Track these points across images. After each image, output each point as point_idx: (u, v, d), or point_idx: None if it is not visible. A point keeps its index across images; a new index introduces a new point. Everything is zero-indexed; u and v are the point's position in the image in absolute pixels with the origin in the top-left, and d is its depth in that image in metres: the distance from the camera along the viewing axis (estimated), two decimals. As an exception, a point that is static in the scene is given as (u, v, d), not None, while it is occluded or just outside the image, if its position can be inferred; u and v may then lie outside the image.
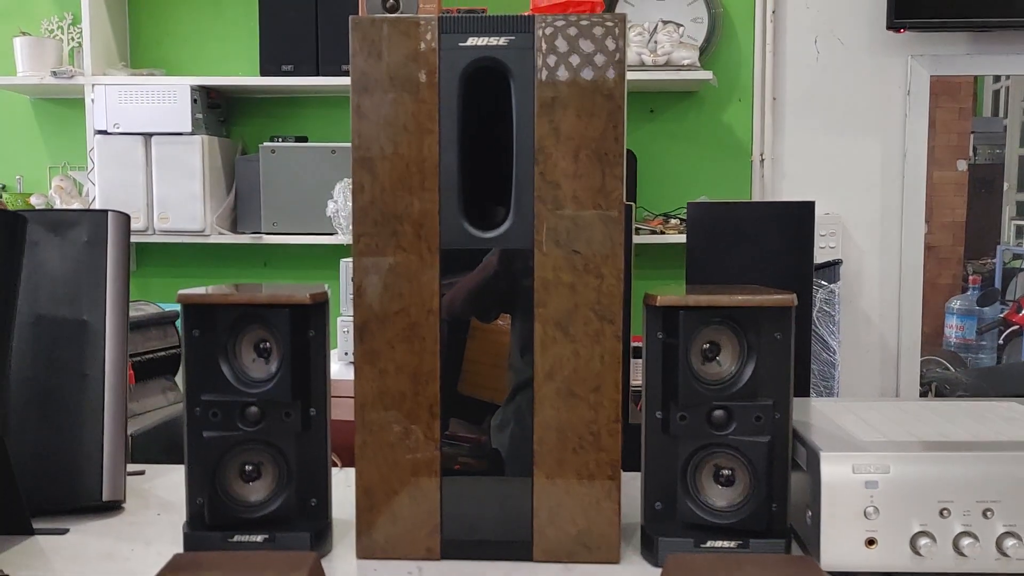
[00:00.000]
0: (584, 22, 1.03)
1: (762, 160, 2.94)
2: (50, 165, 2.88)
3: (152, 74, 2.79)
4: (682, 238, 2.73)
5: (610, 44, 1.03)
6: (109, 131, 2.63)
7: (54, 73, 2.63)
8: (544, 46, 1.03)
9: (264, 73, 2.64)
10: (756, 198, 2.91)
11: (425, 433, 1.06)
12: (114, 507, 1.24)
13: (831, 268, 2.84)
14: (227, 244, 2.74)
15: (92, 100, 2.63)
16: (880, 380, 2.89)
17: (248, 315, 1.07)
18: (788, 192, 2.90)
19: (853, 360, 2.88)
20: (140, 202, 2.65)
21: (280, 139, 2.71)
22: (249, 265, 2.92)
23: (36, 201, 2.75)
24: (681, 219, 2.84)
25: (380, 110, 1.04)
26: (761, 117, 2.93)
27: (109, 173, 2.63)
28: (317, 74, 2.61)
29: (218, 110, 2.75)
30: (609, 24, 1.02)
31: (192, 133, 2.63)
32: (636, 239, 2.66)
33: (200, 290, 1.09)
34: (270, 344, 1.08)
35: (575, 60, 1.03)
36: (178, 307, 2.80)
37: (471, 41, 1.03)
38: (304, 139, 2.76)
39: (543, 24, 1.03)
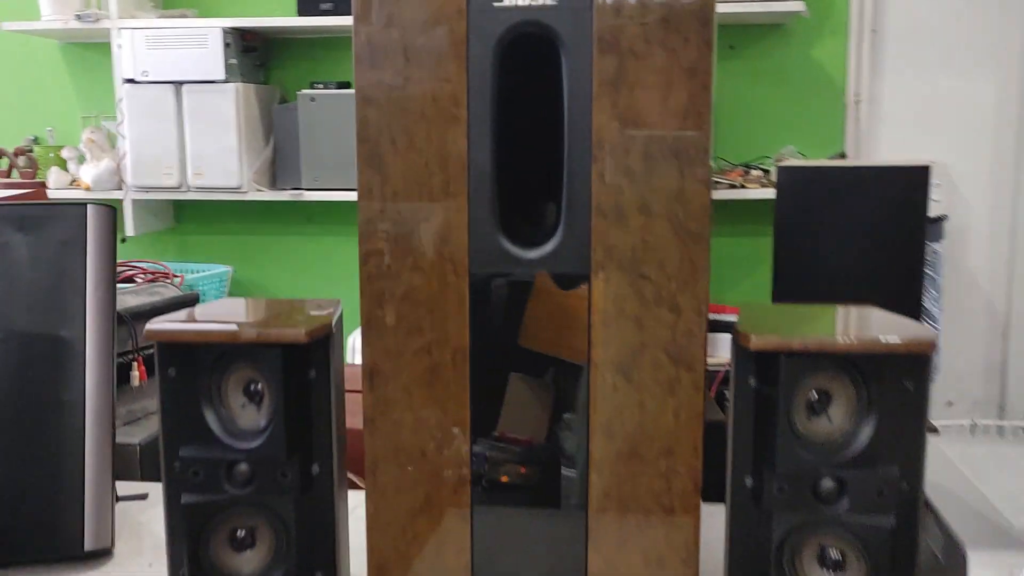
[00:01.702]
0: (660, -28, 0.77)
1: (857, 102, 2.61)
2: (83, 115, 2.71)
3: (184, 16, 2.58)
4: (764, 193, 2.44)
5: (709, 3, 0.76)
6: (138, 80, 2.43)
7: (78, 17, 2.44)
8: (607, 3, 0.77)
9: (302, 13, 2.40)
10: (850, 146, 2.59)
11: (451, 502, 0.85)
12: (101, 554, 1.07)
13: (935, 225, 2.52)
14: (266, 200, 2.55)
15: (119, 46, 2.43)
16: (985, 352, 2.59)
17: (233, 352, 0.86)
18: (887, 139, 2.57)
19: (955, 329, 2.58)
20: (173, 156, 2.46)
21: (321, 85, 2.48)
22: (292, 222, 2.73)
23: (67, 155, 2.59)
24: (764, 170, 2.55)
25: (391, 91, 0.80)
26: (857, 53, 2.59)
27: (139, 125, 2.45)
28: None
29: (254, 54, 2.53)
30: (693, -27, 0.76)
31: (225, 81, 2.41)
32: (713, 194, 2.39)
33: (173, 321, 0.88)
34: (262, 386, 0.87)
35: (649, 22, 0.77)
36: (222, 269, 2.62)
37: (509, 0, 0.78)
38: (347, 85, 2.53)
39: (604, -25, 0.77)
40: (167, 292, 1.63)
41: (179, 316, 0.92)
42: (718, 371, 2.06)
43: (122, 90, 2.43)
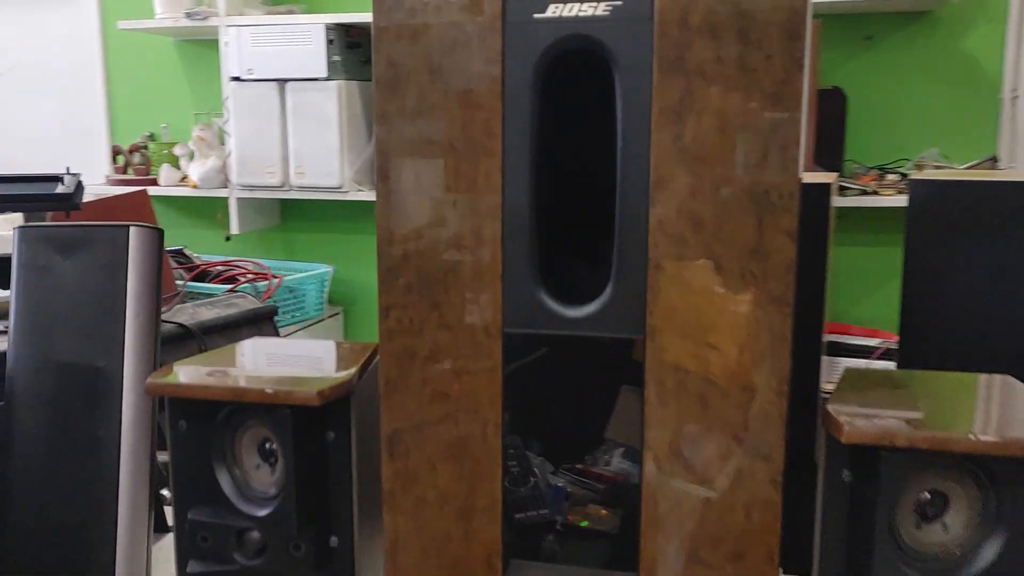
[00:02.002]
0: (737, -28, 0.62)
1: (1014, 98, 2.31)
2: (195, 112, 2.73)
3: (291, 11, 2.54)
4: (900, 201, 2.20)
5: (785, 9, 0.61)
6: (243, 77, 2.41)
7: (188, 14, 2.43)
8: (671, 14, 0.63)
9: (405, 7, 2.33)
10: (1003, 149, 2.30)
11: (479, 596, 0.73)
12: (132, 598, 1.01)
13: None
14: (367, 200, 2.49)
15: (226, 43, 2.42)
16: None
17: (245, 408, 0.77)
18: (1048, 140, 2.26)
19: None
20: (276, 155, 2.43)
21: (426, 81, 2.38)
22: (397, 219, 2.66)
23: (179, 152, 2.61)
24: (903, 174, 2.30)
25: (416, 119, 0.69)
26: (1018, 43, 2.29)
27: (244, 123, 2.43)
28: (463, 7, 2.26)
29: (358, 50, 2.47)
30: (780, -26, 0.61)
31: (328, 78, 2.35)
32: (842, 201, 2.16)
33: (180, 372, 0.80)
34: (275, 447, 0.77)
35: (723, 35, 0.62)
36: (324, 269, 2.58)
37: (552, 9, 0.65)
38: (453, 81, 2.42)
39: (667, -22, 0.63)
40: (244, 304, 1.58)
41: (194, 364, 0.83)
42: (839, 401, 1.86)
43: (228, 88, 2.42)
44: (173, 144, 2.66)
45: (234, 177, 2.45)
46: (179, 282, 2.18)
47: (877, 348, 1.88)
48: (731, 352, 0.65)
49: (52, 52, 2.90)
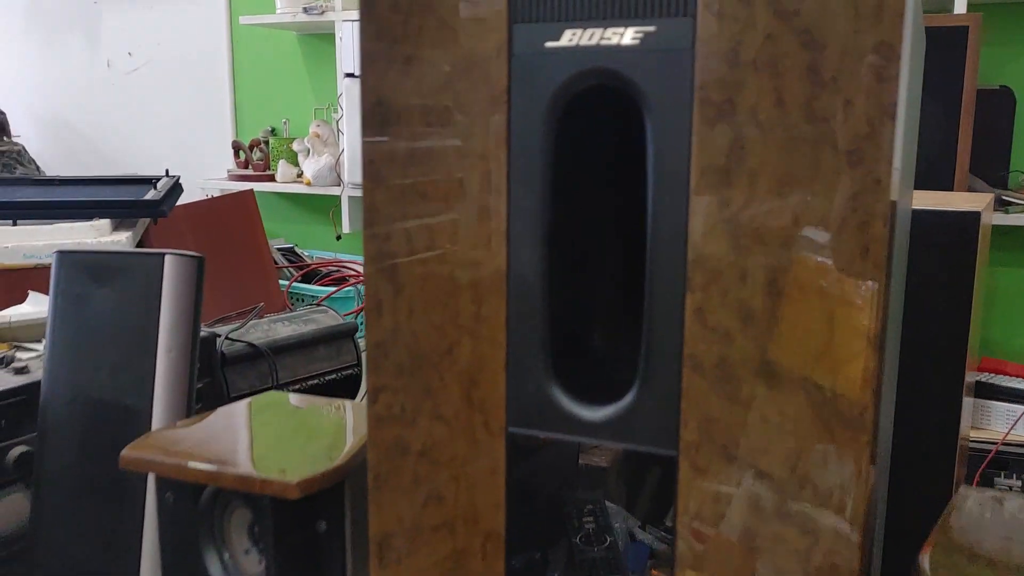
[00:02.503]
0: (806, -11, 0.46)
1: None
2: (315, 107, 2.71)
3: (408, 4, 2.48)
4: (1079, 217, 1.90)
5: (872, 37, 0.45)
6: (356, 74, 2.36)
7: (305, 9, 2.40)
8: (718, 44, 0.48)
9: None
10: None
11: None
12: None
13: None
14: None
15: (340, 38, 2.37)
16: None
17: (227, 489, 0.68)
18: None
19: None
20: (387, 154, 2.38)
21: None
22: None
23: (297, 147, 2.59)
24: (1081, 186, 1.99)
25: (407, 168, 0.57)
26: None
27: (356, 120, 2.38)
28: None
29: (475, 44, 2.38)
30: (866, -9, 0.45)
31: (441, 75, 2.28)
32: (1002, 218, 1.89)
33: (162, 441, 0.71)
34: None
35: (786, 73, 0.47)
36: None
37: (569, 37, 0.51)
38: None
39: (713, -3, 0.48)
40: (324, 320, 1.51)
41: (188, 428, 0.75)
42: (988, 451, 1.62)
43: (342, 84, 2.37)
44: (292, 140, 2.65)
45: (345, 175, 2.41)
46: (283, 282, 2.15)
47: (1037, 394, 1.63)
48: (789, 483, 0.50)
49: (184, 46, 2.95)
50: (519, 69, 0.52)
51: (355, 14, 2.34)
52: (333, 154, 2.46)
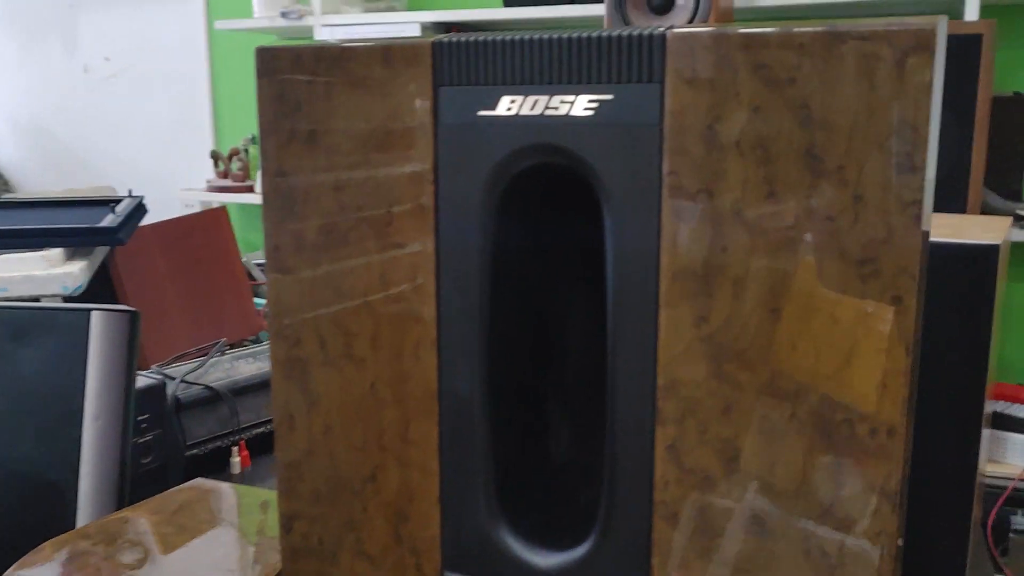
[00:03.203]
0: (848, 42, 0.36)
1: None
2: (298, 113, 2.61)
3: (392, 8, 2.35)
4: (1098, 230, 1.79)
5: (892, 111, 0.35)
6: (337, 81, 2.26)
7: (283, 14, 2.29)
8: (692, 118, 0.38)
9: (508, 3, 2.09)
10: None
11: None
12: None
13: None
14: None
15: (320, 44, 2.27)
16: None
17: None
18: None
19: None
20: (370, 164, 2.27)
21: (533, 83, 2.14)
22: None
23: (278, 156, 2.50)
24: (1099, 196, 1.88)
25: (318, 258, 0.46)
26: None
27: (338, 130, 2.28)
28: (571, 1, 2.01)
29: (461, 49, 2.27)
30: (925, 44, 0.34)
31: (425, 82, 2.17)
32: (1018, 235, 1.78)
33: (55, 555, 0.61)
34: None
35: (779, 158, 0.37)
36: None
37: (505, 106, 0.41)
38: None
39: (692, 52, 0.37)
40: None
41: (90, 536, 0.64)
42: (1003, 487, 1.51)
43: (323, 92, 2.27)
44: (273, 148, 2.55)
45: (328, 187, 2.30)
46: (261, 300, 2.05)
47: (1056, 426, 1.52)
48: (782, 671, 0.40)
49: (162, 51, 2.85)
50: (448, 143, 0.42)
51: (335, 18, 2.23)
52: (314, 164, 2.36)
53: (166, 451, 1.18)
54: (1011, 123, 1.83)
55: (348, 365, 0.46)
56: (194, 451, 1.25)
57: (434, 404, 0.45)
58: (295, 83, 0.44)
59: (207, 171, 2.68)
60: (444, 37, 0.42)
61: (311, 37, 2.41)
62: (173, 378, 1.25)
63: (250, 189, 2.50)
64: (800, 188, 0.36)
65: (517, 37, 0.40)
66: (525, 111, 0.40)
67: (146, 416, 1.13)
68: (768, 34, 0.36)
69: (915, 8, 1.83)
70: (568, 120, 0.39)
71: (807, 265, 0.36)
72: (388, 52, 0.42)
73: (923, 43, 0.33)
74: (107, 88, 2.96)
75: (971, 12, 1.64)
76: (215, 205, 2.73)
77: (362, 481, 0.47)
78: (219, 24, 2.44)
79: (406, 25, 2.15)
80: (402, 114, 0.43)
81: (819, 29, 0.35)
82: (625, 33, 0.38)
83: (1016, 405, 1.61)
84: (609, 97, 0.38)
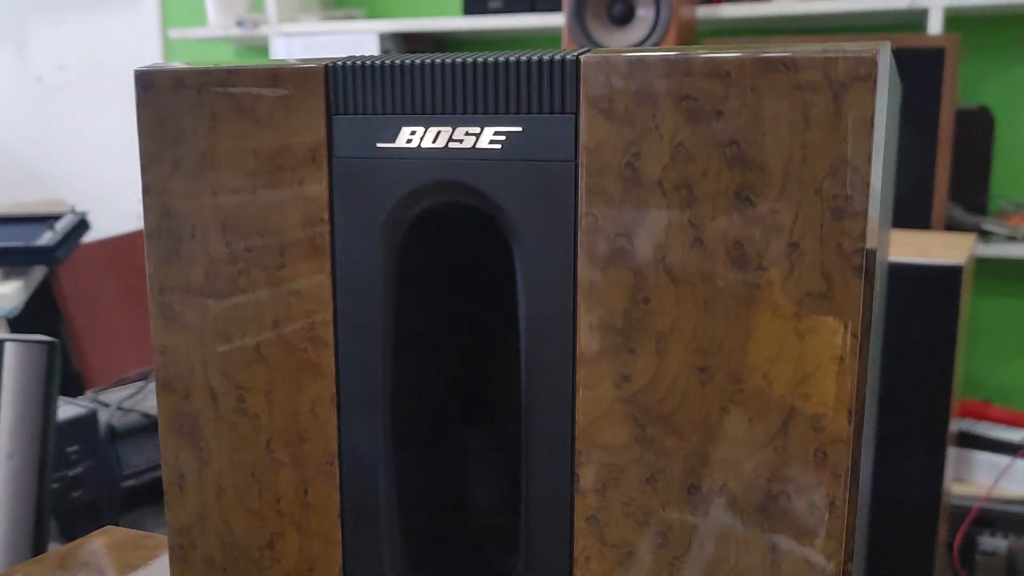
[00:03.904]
0: (780, 70, 0.32)
1: None
2: (256, 123, 2.54)
3: (350, 16, 2.30)
4: (1061, 244, 1.78)
5: (858, 144, 0.31)
6: (295, 91, 2.20)
7: (238, 23, 2.24)
8: (611, 155, 0.33)
9: (468, 11, 2.05)
10: None
11: None
12: None
13: None
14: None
15: (275, 54, 2.21)
16: None
17: None
18: None
19: None
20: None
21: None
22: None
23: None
24: (1063, 209, 1.87)
25: (207, 302, 0.42)
26: None
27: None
28: (531, 10, 1.97)
29: (422, 59, 2.22)
30: (867, 66, 0.30)
31: (384, 92, 2.12)
32: (982, 250, 1.77)
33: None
34: None
35: (709, 199, 0.33)
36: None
37: (405, 137, 0.36)
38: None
39: (608, 80, 0.33)
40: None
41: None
42: (969, 507, 1.49)
43: (280, 102, 2.21)
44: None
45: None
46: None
47: (1022, 446, 1.50)
48: None
49: (116, 60, 2.78)
50: (343, 178, 0.38)
51: (291, 26, 2.18)
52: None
53: (99, 483, 1.12)
54: (976, 136, 1.82)
55: (242, 420, 0.42)
56: (131, 482, 1.19)
57: (335, 467, 0.40)
58: (177, 110, 0.40)
59: (163, 183, 2.61)
60: (339, 60, 0.37)
61: (266, 48, 2.35)
62: (108, 405, 1.20)
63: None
64: (730, 234, 0.32)
65: (416, 61, 0.36)
66: (427, 143, 0.36)
67: (75, 448, 1.07)
68: (692, 60, 0.31)
69: (878, 20, 1.81)
70: (474, 154, 0.35)
71: (738, 319, 0.32)
72: (276, 76, 0.38)
73: (863, 73, 0.29)
74: (60, 98, 2.88)
75: (935, 26, 1.62)
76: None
77: (259, 549, 0.42)
78: (173, 33, 2.38)
79: (364, 35, 2.10)
80: (293, 145, 0.38)
81: (747, 55, 0.31)
82: (535, 58, 0.34)
83: (982, 423, 1.59)
84: (518, 129, 0.34)
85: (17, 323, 1.47)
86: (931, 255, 1.11)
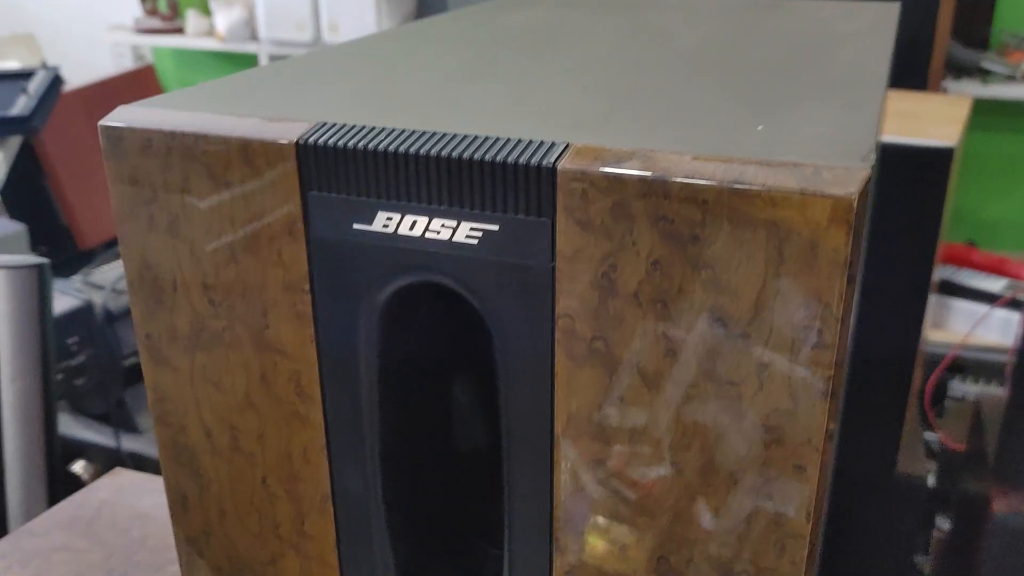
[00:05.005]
0: (756, 203, 0.31)
1: None
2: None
3: None
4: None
5: (827, 284, 0.31)
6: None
7: None
8: (590, 264, 0.33)
9: None
10: None
11: None
12: None
13: None
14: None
15: None
16: None
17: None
18: None
19: None
20: (306, 7, 2.11)
21: (480, -87, 1.97)
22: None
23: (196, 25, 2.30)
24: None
25: (195, 351, 0.43)
26: None
27: (270, -32, 2.10)
28: None
29: None
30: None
31: (362, -85, 1.98)
32: (979, 90, 1.73)
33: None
34: None
35: (691, 316, 0.33)
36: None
37: (382, 222, 0.36)
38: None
39: (586, 193, 0.33)
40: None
41: None
42: (942, 354, 1.54)
43: (250, -75, 2.07)
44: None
45: (262, 31, 2.16)
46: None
47: (1001, 296, 1.54)
48: None
49: None
50: (321, 255, 0.37)
51: None
52: (245, 6, 2.19)
53: (101, 368, 1.16)
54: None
55: (237, 457, 0.44)
56: (132, 359, 1.23)
57: (328, 504, 0.43)
58: (148, 169, 0.39)
59: (133, 7, 2.49)
60: (311, 136, 0.36)
61: None
62: (102, 287, 1.21)
63: (180, 30, 2.34)
64: (702, 348, 0.33)
65: (391, 148, 0.35)
66: (404, 231, 0.36)
67: (75, 340, 1.10)
68: (669, 184, 0.31)
69: None
70: (452, 246, 0.35)
71: (708, 427, 0.34)
72: (247, 149, 0.37)
73: (840, 215, 0.29)
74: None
75: None
76: (146, 50, 2.56)
77: (263, 565, 0.46)
78: None
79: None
80: (268, 219, 0.38)
81: (724, 185, 0.30)
82: (511, 160, 0.33)
83: (964, 270, 1.62)
84: (494, 228, 0.34)
85: (3, 194, 1.45)
86: (922, 135, 1.10)
